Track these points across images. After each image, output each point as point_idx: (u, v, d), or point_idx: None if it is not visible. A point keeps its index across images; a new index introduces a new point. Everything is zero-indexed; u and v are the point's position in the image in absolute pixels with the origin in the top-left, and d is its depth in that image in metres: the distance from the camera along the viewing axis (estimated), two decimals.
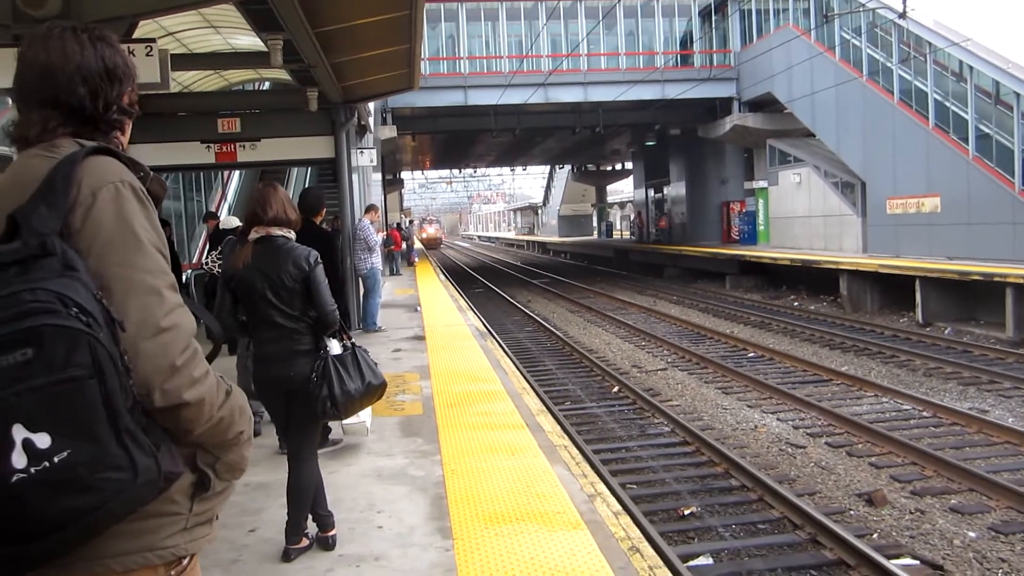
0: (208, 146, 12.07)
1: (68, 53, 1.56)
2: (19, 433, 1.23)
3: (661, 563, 3.75)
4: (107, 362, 1.31)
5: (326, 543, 4.17)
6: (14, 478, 1.22)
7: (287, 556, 4.07)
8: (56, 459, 1.25)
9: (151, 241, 1.50)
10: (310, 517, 4.21)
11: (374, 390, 4.12)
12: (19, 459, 1.23)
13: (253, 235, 4.13)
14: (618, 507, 4.52)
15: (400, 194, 54.71)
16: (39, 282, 1.30)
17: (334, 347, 4.09)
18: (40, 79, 1.56)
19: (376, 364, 4.22)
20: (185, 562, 1.49)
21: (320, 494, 4.22)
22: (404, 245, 29.13)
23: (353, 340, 4.22)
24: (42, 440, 1.24)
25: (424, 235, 68.57)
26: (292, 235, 4.16)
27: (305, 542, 4.15)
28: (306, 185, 24.84)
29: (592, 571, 3.64)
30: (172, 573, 1.47)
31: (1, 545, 1.27)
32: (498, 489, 4.87)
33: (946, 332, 16.07)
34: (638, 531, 4.14)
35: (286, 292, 3.98)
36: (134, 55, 6.42)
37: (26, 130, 1.57)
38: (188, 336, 1.47)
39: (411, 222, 45.45)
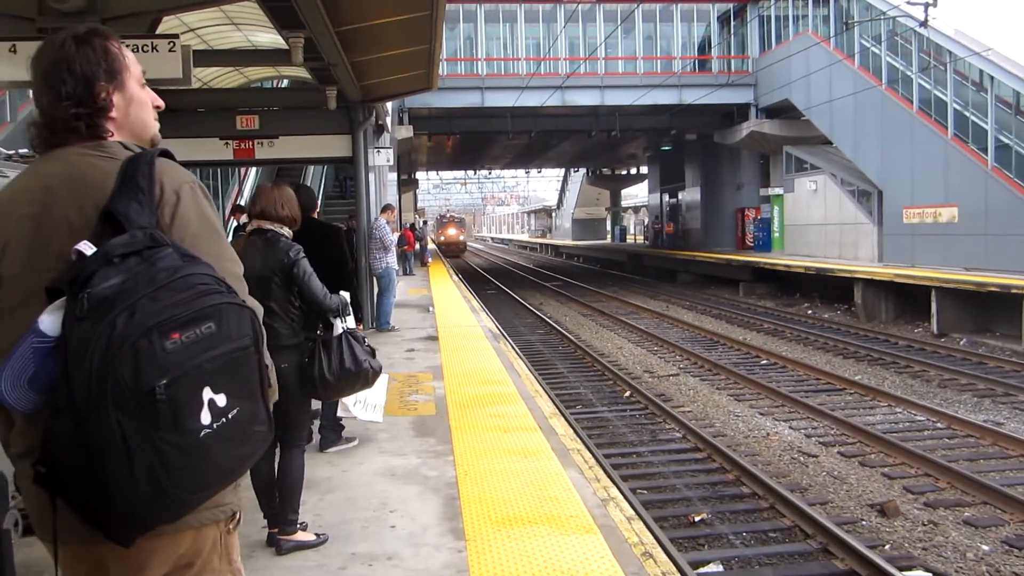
0: (227, 143, 12.12)
1: (66, 58, 1.68)
2: (207, 395, 1.44)
3: (674, 569, 3.75)
4: (259, 332, 1.57)
5: (278, 545, 4.09)
6: (203, 433, 1.43)
7: (278, 548, 4.07)
8: (231, 415, 1.47)
9: (224, 233, 1.74)
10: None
11: (353, 376, 4.14)
12: (206, 416, 1.43)
13: (248, 229, 4.29)
14: (631, 512, 4.51)
15: (415, 194, 54.85)
16: (185, 268, 1.50)
17: (337, 327, 4.15)
18: (46, 84, 1.68)
19: (369, 351, 4.24)
20: (238, 516, 1.69)
21: (298, 495, 4.21)
22: (417, 246, 29.16)
23: (347, 326, 4.23)
24: (221, 400, 1.45)
25: (442, 238, 55.50)
26: (284, 230, 4.22)
27: (301, 535, 4.14)
28: (321, 184, 24.92)
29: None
30: (231, 527, 1.67)
31: (183, 491, 1.45)
32: (511, 491, 4.87)
33: (961, 343, 15.97)
34: (651, 536, 4.14)
35: (269, 285, 4.05)
36: (156, 51, 6.46)
37: (43, 132, 1.68)
38: (263, 313, 1.75)
39: (425, 222, 44.76)
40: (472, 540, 4.12)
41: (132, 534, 1.46)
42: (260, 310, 1.71)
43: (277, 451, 4.25)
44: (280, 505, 4.13)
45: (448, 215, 64.65)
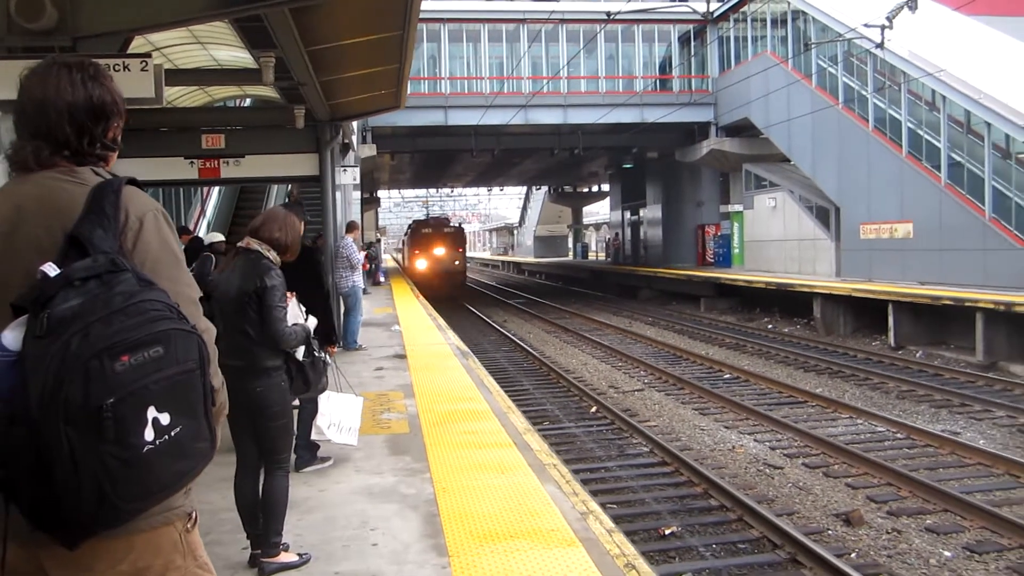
0: (191, 162, 12.01)
1: (60, 91, 1.75)
2: (151, 413, 1.53)
3: None
4: (204, 356, 1.65)
5: (261, 567, 4.09)
6: (145, 449, 1.52)
7: (262, 571, 4.08)
8: (173, 433, 1.56)
9: (183, 259, 1.82)
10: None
11: (304, 393, 4.40)
12: (149, 434, 1.52)
13: (238, 245, 4.32)
14: (611, 525, 4.59)
15: (376, 213, 54.64)
16: (140, 294, 1.58)
17: (299, 354, 4.24)
18: (35, 113, 1.75)
19: (321, 368, 4.40)
20: (194, 516, 1.77)
21: (281, 516, 4.23)
22: (371, 265, 28.65)
23: (314, 357, 4.28)
24: (165, 418, 1.54)
25: (421, 262, 34.35)
26: (271, 253, 4.22)
27: (284, 556, 4.14)
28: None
29: None
30: (188, 526, 1.75)
31: (124, 501, 1.54)
32: (490, 507, 4.91)
33: (918, 355, 16.34)
34: (632, 548, 4.21)
35: (246, 309, 4.05)
36: (128, 70, 6.45)
37: (23, 156, 1.75)
38: (215, 335, 1.81)
39: (378, 240, 38.51)
40: (455, 556, 4.15)
41: (77, 538, 1.56)
42: (212, 332, 1.79)
43: (261, 473, 4.27)
44: (264, 527, 4.13)
45: (429, 220, 39.42)
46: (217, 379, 1.77)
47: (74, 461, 1.48)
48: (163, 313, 1.59)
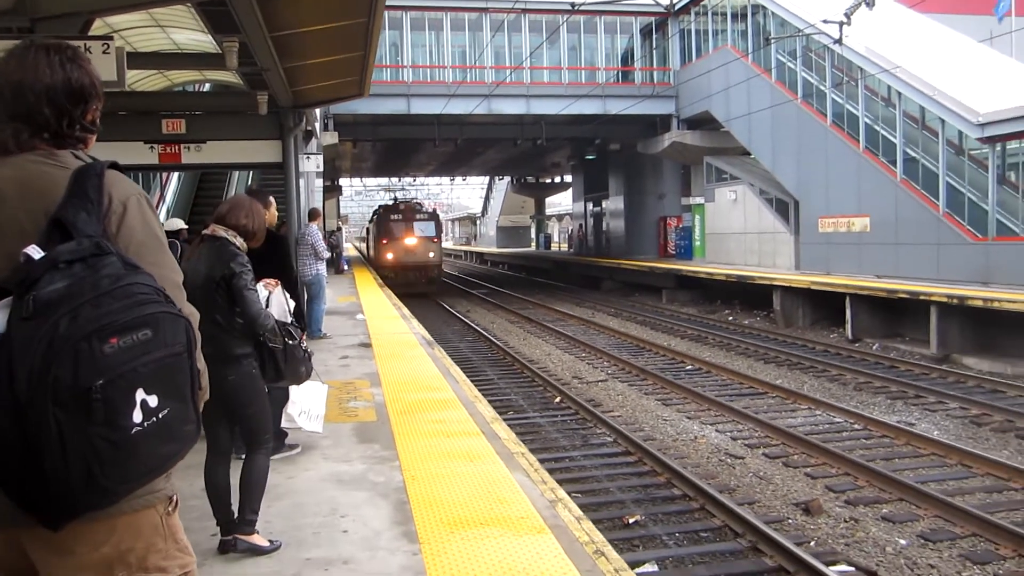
0: (151, 147, 11.81)
1: (39, 73, 1.74)
2: (139, 396, 1.54)
3: (626, 566, 3.89)
4: (191, 340, 1.66)
5: (235, 544, 4.09)
6: (134, 431, 1.53)
7: (234, 547, 4.07)
8: (161, 415, 1.57)
9: (166, 243, 1.82)
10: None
11: (285, 380, 4.44)
12: (138, 415, 1.54)
13: (202, 232, 4.31)
14: (579, 512, 4.64)
15: (338, 201, 54.18)
16: (127, 277, 1.58)
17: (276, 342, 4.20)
18: (13, 95, 1.74)
19: (305, 356, 4.39)
20: (174, 499, 1.78)
21: (259, 495, 4.22)
22: (333, 253, 28.32)
23: (289, 345, 4.27)
24: (153, 400, 1.56)
25: (389, 255, 29.56)
26: (237, 239, 4.21)
27: (256, 538, 4.14)
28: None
29: (560, 574, 3.75)
30: (169, 509, 1.76)
31: (113, 483, 1.55)
32: (460, 494, 4.93)
33: (874, 348, 16.67)
34: (601, 535, 4.27)
35: (213, 296, 4.04)
36: (90, 53, 6.33)
37: (1, 139, 1.74)
38: (199, 319, 1.82)
39: (339, 228, 36.55)
40: (426, 543, 4.17)
41: (62, 519, 1.56)
42: (196, 317, 1.79)
43: (232, 460, 4.26)
44: (241, 504, 4.13)
45: (399, 204, 33.23)
46: (201, 362, 1.77)
47: (63, 443, 1.48)
48: (150, 296, 1.59)
